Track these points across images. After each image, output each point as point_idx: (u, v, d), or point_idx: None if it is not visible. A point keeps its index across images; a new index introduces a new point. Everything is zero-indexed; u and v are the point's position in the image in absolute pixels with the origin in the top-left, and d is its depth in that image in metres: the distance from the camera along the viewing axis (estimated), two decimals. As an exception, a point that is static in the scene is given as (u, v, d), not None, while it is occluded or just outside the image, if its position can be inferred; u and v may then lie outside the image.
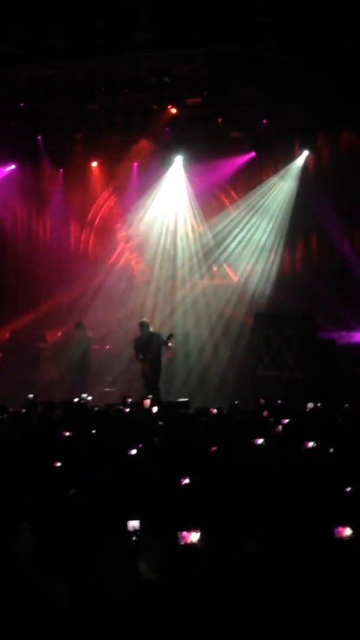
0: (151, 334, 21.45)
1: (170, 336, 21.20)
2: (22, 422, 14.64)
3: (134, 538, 6.81)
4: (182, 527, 6.53)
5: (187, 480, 9.34)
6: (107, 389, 23.02)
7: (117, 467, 10.28)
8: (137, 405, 17.00)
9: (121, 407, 16.86)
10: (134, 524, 6.87)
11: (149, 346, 21.21)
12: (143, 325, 21.67)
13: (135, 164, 25.06)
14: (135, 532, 6.85)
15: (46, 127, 23.51)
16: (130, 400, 17.72)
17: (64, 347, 24.48)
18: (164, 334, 21.36)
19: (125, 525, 6.88)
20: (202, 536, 6.48)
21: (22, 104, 21.89)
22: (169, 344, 21.08)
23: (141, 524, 7.01)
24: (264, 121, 22.23)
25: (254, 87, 21.00)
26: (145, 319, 22.09)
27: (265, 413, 15.12)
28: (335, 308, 22.46)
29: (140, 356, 21.25)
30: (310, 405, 15.96)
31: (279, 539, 6.73)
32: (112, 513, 7.83)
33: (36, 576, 6.47)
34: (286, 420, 13.62)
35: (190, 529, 6.49)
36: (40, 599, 5.96)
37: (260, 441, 11.84)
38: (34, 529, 6.68)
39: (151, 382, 21.08)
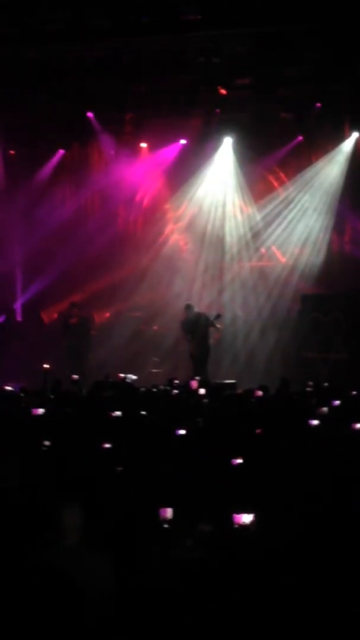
0: (198, 315, 21.46)
1: (218, 317, 21.23)
2: (71, 402, 14.73)
3: (165, 526, 6.84)
4: (235, 509, 6.54)
5: (239, 461, 9.35)
6: (154, 370, 23.09)
7: (164, 447, 10.32)
8: (184, 387, 17.03)
9: (168, 388, 16.93)
10: (167, 513, 6.89)
11: (196, 327, 21.22)
12: (188, 308, 21.68)
13: (185, 145, 24.98)
14: (167, 520, 6.87)
15: (95, 107, 23.54)
16: (177, 381, 17.75)
17: (113, 327, 24.64)
18: (211, 315, 21.38)
19: (159, 513, 6.91)
20: (255, 518, 6.49)
21: (69, 85, 21.90)
22: (217, 325, 21.12)
23: (182, 509, 7.03)
24: (316, 103, 22.08)
25: (303, 67, 20.85)
26: (189, 302, 22.10)
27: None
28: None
29: (189, 337, 21.29)
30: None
31: (326, 520, 6.72)
32: (159, 494, 7.87)
33: (85, 555, 6.52)
34: (337, 402, 13.61)
35: (243, 510, 6.50)
36: (88, 578, 6.01)
37: (315, 422, 11.86)
38: (83, 509, 6.72)
39: (199, 363, 21.09)
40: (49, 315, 25.44)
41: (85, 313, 23.46)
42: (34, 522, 7.08)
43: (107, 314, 25.58)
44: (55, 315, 25.21)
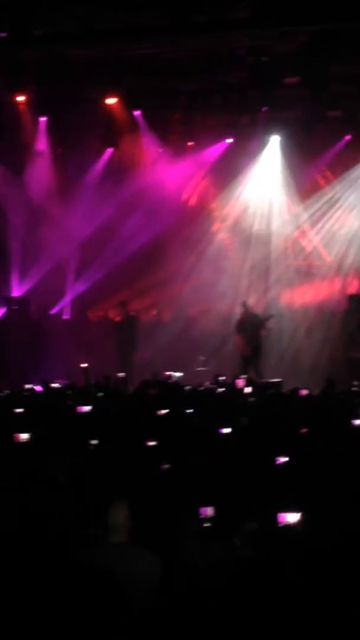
0: (252, 315, 21.64)
1: (270, 317, 21.36)
2: (118, 399, 14.81)
3: (206, 524, 6.85)
4: (280, 508, 6.54)
5: (283, 460, 9.35)
6: (200, 368, 23.10)
7: (209, 445, 10.34)
8: (230, 385, 17.05)
9: (214, 387, 16.96)
10: (208, 511, 6.90)
11: (248, 326, 21.38)
12: (245, 306, 21.86)
13: (232, 143, 24.97)
14: (208, 518, 6.88)
15: (144, 106, 23.61)
16: (222, 379, 17.76)
17: (159, 325, 24.71)
18: (264, 315, 21.55)
19: (201, 510, 6.93)
20: (301, 517, 6.49)
21: (120, 83, 21.97)
22: (268, 326, 21.27)
23: (227, 507, 7.04)
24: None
25: (353, 65, 20.74)
26: (247, 300, 22.25)
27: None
28: None
29: (241, 335, 21.47)
30: None
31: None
32: (203, 492, 7.89)
33: (130, 553, 6.56)
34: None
35: (289, 509, 6.50)
36: (134, 576, 6.05)
37: (358, 422, 11.82)
38: (131, 506, 6.76)
39: (249, 362, 21.21)
40: (96, 314, 25.54)
41: (131, 311, 23.49)
42: (81, 519, 7.14)
43: (153, 312, 25.63)
44: (102, 314, 25.32)
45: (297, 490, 7.92)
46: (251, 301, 23.59)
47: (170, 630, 4.86)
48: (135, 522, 6.75)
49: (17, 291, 24.70)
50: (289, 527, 6.49)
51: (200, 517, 6.88)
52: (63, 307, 25.29)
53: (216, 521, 6.89)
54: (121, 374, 18.52)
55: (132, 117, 24.39)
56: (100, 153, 25.58)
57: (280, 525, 6.51)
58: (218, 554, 6.59)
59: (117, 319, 23.01)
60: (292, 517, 6.54)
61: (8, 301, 24.22)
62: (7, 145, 23.93)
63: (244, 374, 18.88)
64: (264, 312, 22.03)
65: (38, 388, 16.77)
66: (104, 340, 23.46)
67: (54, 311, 25.11)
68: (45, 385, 16.79)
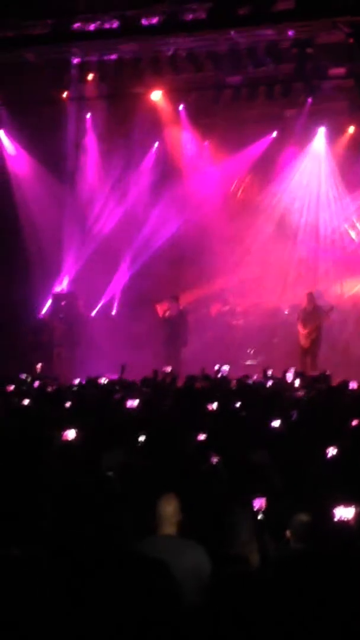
0: (315, 306, 21.76)
1: (331, 309, 21.42)
2: (165, 394, 14.80)
3: (259, 517, 6.80)
4: (335, 502, 6.47)
5: (332, 452, 9.29)
6: (249, 362, 23.07)
7: (259, 439, 10.29)
8: (279, 379, 16.99)
9: (262, 381, 16.90)
10: (260, 502, 6.86)
11: (311, 317, 21.51)
12: (310, 297, 21.99)
13: (277, 135, 24.88)
14: (260, 510, 6.83)
15: (188, 98, 23.59)
16: (271, 372, 17.70)
17: (207, 319, 24.75)
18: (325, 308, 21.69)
19: (254, 502, 6.88)
20: (356, 512, 6.41)
21: (164, 77, 21.96)
22: (330, 317, 21.45)
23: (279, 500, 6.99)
24: None
25: None
26: (311, 291, 22.36)
27: None
28: None
29: (303, 326, 21.59)
30: None
31: None
32: (254, 485, 7.85)
33: (179, 544, 6.54)
34: None
35: (344, 504, 6.43)
36: (181, 567, 6.03)
37: None
38: (180, 500, 6.75)
39: (308, 352, 21.33)
40: (145, 308, 25.56)
41: (180, 306, 23.46)
42: (132, 512, 7.12)
43: (202, 307, 25.60)
44: (156, 307, 25.35)
45: (351, 484, 7.84)
46: (300, 293, 23.53)
47: (220, 626, 4.82)
48: (186, 516, 6.74)
49: (65, 287, 24.80)
50: (344, 523, 6.41)
51: (254, 509, 6.83)
52: (111, 303, 25.36)
53: (269, 514, 6.83)
54: (168, 368, 18.48)
55: (177, 111, 24.43)
56: (146, 148, 25.61)
57: (334, 520, 6.43)
58: (271, 547, 6.55)
59: (167, 313, 22.99)
60: (347, 512, 6.46)
61: (56, 297, 24.33)
62: (56, 142, 24.00)
63: (303, 365, 18.91)
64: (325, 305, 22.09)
65: (85, 383, 16.81)
66: (152, 335, 23.48)
67: (101, 307, 25.19)
68: (93, 380, 16.82)
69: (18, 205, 24.13)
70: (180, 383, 16.75)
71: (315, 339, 21.67)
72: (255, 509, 6.80)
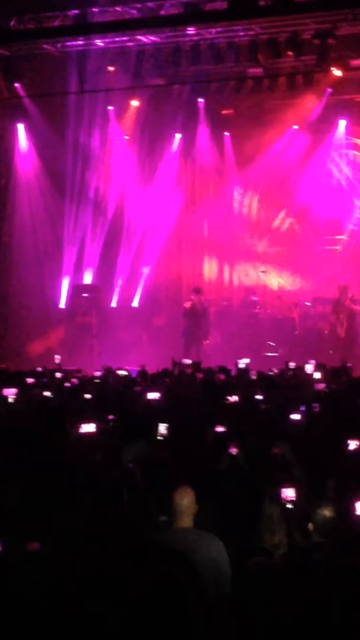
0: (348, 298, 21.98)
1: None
2: (187, 385, 14.78)
3: (288, 506, 6.75)
4: (357, 496, 6.43)
5: (354, 445, 9.23)
6: (270, 354, 23.05)
7: (280, 431, 10.27)
8: (300, 370, 16.95)
9: (283, 372, 16.86)
10: (288, 493, 6.82)
11: (342, 309, 21.69)
12: (342, 288, 22.12)
13: (299, 127, 24.81)
14: (289, 500, 6.80)
15: (209, 90, 23.55)
16: (292, 365, 17.66)
17: (228, 311, 24.76)
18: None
19: (281, 493, 6.83)
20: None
21: (184, 68, 21.91)
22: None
23: (299, 490, 6.94)
24: None
25: None
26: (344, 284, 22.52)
27: None
28: None
29: (336, 317, 21.73)
30: None
31: None
32: (274, 478, 7.83)
33: (195, 536, 6.53)
34: None
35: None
36: (198, 560, 6.02)
37: None
38: (199, 491, 6.74)
39: (347, 344, 21.49)
40: (168, 301, 25.60)
41: (202, 298, 23.42)
42: (152, 505, 7.13)
43: (223, 299, 25.62)
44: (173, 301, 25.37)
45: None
46: (321, 286, 23.58)
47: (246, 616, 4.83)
48: (205, 508, 6.72)
49: (88, 279, 24.82)
50: None
51: (282, 500, 6.79)
52: (132, 294, 25.37)
53: (297, 504, 6.79)
54: (188, 360, 18.46)
55: (197, 102, 24.44)
56: (169, 139, 25.62)
57: (355, 514, 6.39)
58: (295, 539, 6.53)
59: (188, 305, 22.96)
60: None
61: (78, 289, 24.34)
62: (75, 134, 24.01)
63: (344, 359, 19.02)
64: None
65: (105, 374, 16.82)
66: (173, 327, 23.50)
67: (122, 298, 25.20)
68: (114, 372, 16.83)
69: (30, 198, 24.06)
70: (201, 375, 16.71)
71: (348, 329, 21.97)
72: (283, 499, 6.77)
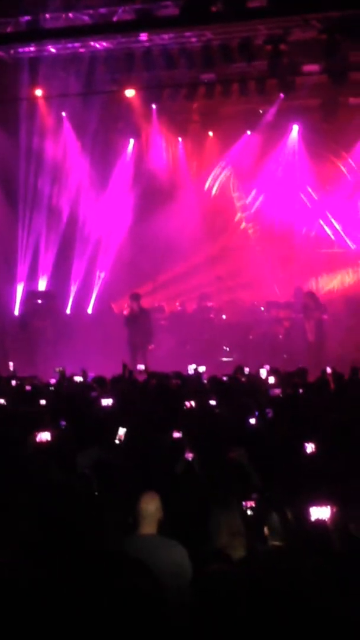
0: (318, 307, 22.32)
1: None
2: (142, 391, 14.76)
3: (249, 513, 6.78)
4: (312, 501, 6.45)
5: (310, 449, 9.28)
6: (224, 359, 23.06)
7: (236, 437, 10.27)
8: (253, 376, 16.97)
9: (237, 377, 16.87)
10: (249, 503, 6.85)
11: (313, 315, 22.07)
12: (309, 295, 22.50)
13: (253, 133, 24.92)
14: (250, 508, 6.82)
15: (162, 96, 23.58)
16: (247, 370, 17.67)
17: (182, 317, 24.72)
18: None
19: (241, 501, 6.86)
20: (332, 512, 6.39)
21: (137, 74, 21.94)
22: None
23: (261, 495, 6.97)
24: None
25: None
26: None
27: None
28: None
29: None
30: None
31: None
32: (230, 483, 7.84)
33: (159, 543, 6.52)
34: None
35: (320, 503, 6.40)
36: (161, 566, 6.01)
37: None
38: (158, 498, 6.74)
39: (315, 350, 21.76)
40: (118, 307, 25.56)
41: (142, 304, 23.02)
42: (111, 511, 7.10)
43: (177, 304, 25.60)
44: (111, 305, 25.32)
45: (328, 482, 7.82)
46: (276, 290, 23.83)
47: (203, 626, 4.82)
48: (165, 514, 6.72)
49: (42, 285, 24.73)
50: (320, 523, 6.39)
51: (242, 507, 6.80)
52: (87, 300, 25.32)
53: (255, 511, 6.81)
54: (141, 367, 18.40)
55: (151, 108, 24.45)
56: (122, 145, 25.62)
57: (310, 519, 6.42)
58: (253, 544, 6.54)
59: (126, 312, 22.61)
60: (323, 512, 6.43)
61: (33, 295, 24.24)
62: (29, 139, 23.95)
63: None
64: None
65: (60, 380, 16.76)
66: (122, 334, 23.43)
67: (77, 304, 25.14)
68: (69, 378, 16.77)
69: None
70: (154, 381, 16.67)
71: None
72: (244, 507, 6.79)
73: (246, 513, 6.74)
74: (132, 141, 25.69)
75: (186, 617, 4.97)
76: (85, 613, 4.26)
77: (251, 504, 6.79)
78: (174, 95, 23.36)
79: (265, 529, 6.29)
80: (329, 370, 16.52)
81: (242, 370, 17.52)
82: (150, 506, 6.63)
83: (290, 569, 5.38)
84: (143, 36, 20.49)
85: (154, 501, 6.66)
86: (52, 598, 4.48)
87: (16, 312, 24.25)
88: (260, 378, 16.50)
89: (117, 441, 10.02)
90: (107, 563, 4.77)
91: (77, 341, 22.70)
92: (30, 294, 24.25)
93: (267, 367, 17.25)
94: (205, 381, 16.34)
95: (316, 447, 9.41)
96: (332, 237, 25.10)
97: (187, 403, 12.53)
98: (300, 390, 14.66)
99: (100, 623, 4.09)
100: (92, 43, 20.96)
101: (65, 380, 16.69)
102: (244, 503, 6.79)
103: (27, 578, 4.69)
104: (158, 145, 25.78)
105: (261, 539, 6.43)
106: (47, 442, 9.62)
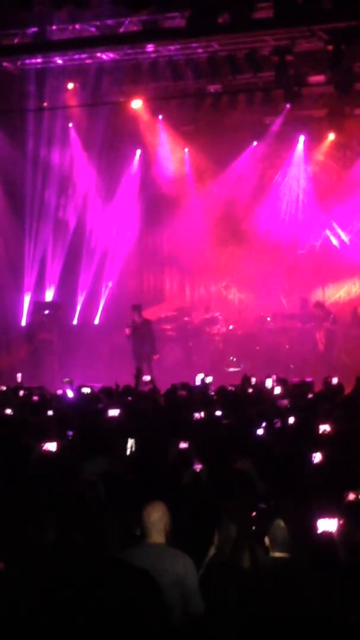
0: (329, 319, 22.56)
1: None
2: (150, 402, 14.75)
3: (253, 527, 6.77)
4: (319, 513, 6.43)
5: (317, 459, 9.26)
6: (231, 369, 23.05)
7: (242, 447, 10.26)
8: (260, 386, 16.95)
9: (243, 387, 16.85)
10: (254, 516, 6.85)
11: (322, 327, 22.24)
12: (318, 305, 22.63)
13: (259, 143, 24.96)
14: (253, 519, 6.82)
15: (169, 107, 23.63)
16: (253, 380, 17.65)
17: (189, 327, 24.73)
18: None
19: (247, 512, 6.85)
20: (340, 525, 6.37)
21: (144, 85, 22.01)
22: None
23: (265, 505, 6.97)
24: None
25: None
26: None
27: None
28: None
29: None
30: None
31: None
32: (237, 493, 7.83)
33: (165, 553, 6.52)
34: None
35: (327, 515, 6.38)
36: (166, 576, 6.01)
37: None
38: (168, 507, 6.73)
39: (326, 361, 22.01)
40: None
41: (144, 315, 22.81)
42: (118, 521, 7.10)
43: (184, 315, 25.56)
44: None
45: (335, 490, 7.80)
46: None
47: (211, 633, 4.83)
48: (174, 524, 6.71)
49: (49, 296, 24.76)
50: (326, 535, 6.36)
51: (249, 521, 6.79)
52: (94, 311, 25.34)
53: (259, 523, 6.80)
54: (147, 378, 18.33)
55: (157, 119, 24.52)
56: (129, 156, 25.68)
57: (316, 531, 6.39)
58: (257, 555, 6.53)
59: (129, 332, 22.27)
60: (330, 525, 6.40)
61: (40, 306, 24.26)
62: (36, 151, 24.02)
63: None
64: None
65: (68, 392, 16.75)
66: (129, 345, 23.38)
67: (84, 315, 25.17)
68: (76, 389, 16.77)
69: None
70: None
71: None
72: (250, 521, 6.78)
73: (250, 527, 6.73)
74: (138, 152, 25.75)
75: (188, 626, 4.99)
76: (87, 620, 4.26)
77: (254, 514, 6.79)
78: (180, 106, 23.45)
79: (267, 540, 6.27)
80: (335, 380, 16.53)
81: (249, 380, 17.50)
82: (154, 515, 6.63)
83: (291, 580, 5.39)
84: (149, 47, 20.54)
85: (157, 510, 6.66)
86: (53, 605, 4.49)
87: (23, 323, 24.27)
88: (267, 388, 16.48)
89: (127, 452, 10.01)
90: (112, 571, 4.78)
91: (83, 352, 22.70)
92: (37, 305, 24.26)
93: (274, 376, 17.21)
94: (212, 392, 16.31)
95: (323, 457, 9.39)
96: (338, 247, 25.09)
97: (196, 414, 12.50)
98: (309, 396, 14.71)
99: (100, 630, 4.10)
100: (98, 54, 21.03)
101: (75, 391, 16.67)
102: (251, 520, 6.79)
103: (30, 583, 4.70)
104: (164, 156, 25.81)
105: (263, 550, 6.42)
106: (54, 452, 9.63)
